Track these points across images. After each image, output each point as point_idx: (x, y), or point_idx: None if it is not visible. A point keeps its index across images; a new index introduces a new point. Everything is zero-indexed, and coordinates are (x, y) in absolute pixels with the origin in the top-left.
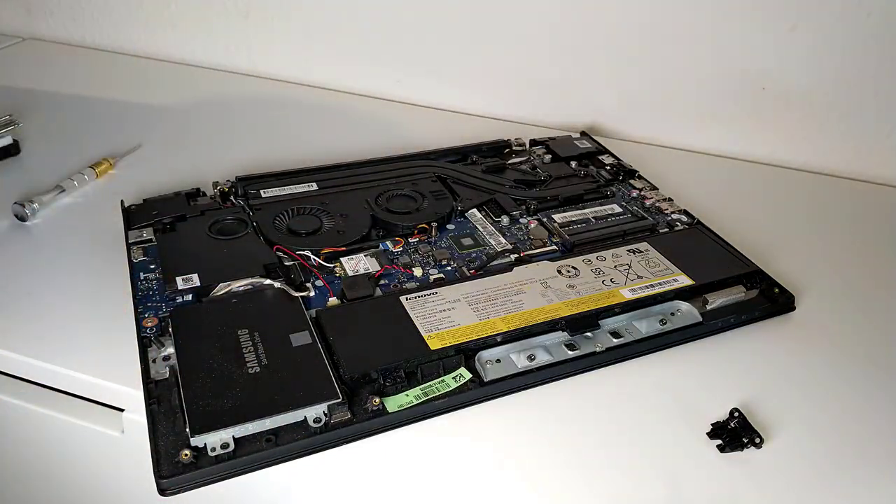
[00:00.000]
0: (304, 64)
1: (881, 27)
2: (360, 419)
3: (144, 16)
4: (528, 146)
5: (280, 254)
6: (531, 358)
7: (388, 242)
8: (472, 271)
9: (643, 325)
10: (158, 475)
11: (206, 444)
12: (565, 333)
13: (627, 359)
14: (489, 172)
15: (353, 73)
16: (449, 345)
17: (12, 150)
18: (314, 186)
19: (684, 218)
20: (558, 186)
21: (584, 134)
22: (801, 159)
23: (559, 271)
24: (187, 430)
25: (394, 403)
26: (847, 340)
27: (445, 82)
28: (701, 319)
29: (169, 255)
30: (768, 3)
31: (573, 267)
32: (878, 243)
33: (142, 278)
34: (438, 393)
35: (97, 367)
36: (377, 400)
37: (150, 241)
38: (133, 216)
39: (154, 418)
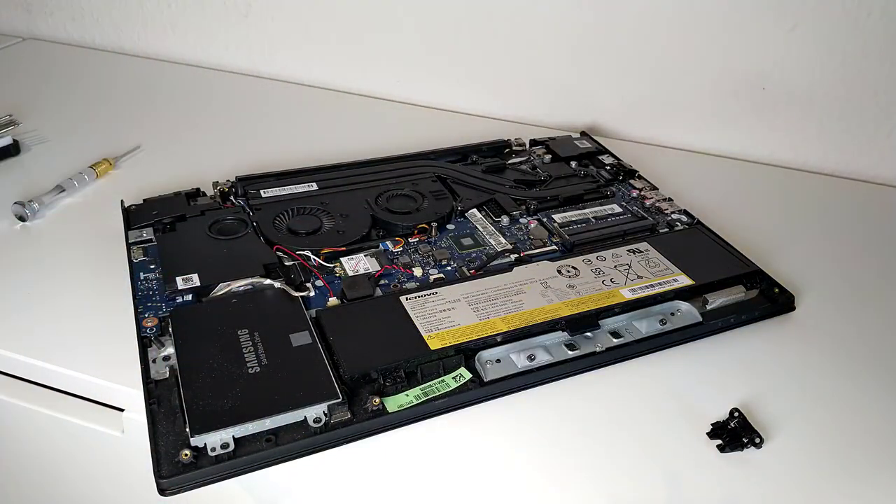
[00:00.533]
0: (304, 64)
1: (881, 27)
2: (360, 419)
3: (144, 16)
4: (528, 146)
5: (280, 254)
6: (531, 358)
7: (388, 242)
8: (472, 271)
9: (643, 325)
10: (158, 475)
11: (206, 444)
12: (565, 333)
13: (627, 359)
14: (489, 172)
15: (353, 73)
16: (449, 345)
17: (12, 150)
18: (314, 186)
19: (684, 218)
20: (558, 186)
21: (584, 134)
22: (801, 159)
23: (559, 271)
24: (187, 430)
25: (394, 403)
26: (847, 340)
27: (445, 82)
28: (701, 319)
29: (169, 255)
30: (768, 3)
31: (573, 267)
32: (878, 243)
33: (142, 278)
34: (438, 393)
35: (97, 367)
36: (377, 400)
37: (150, 241)
38: (133, 216)
39: (154, 418)
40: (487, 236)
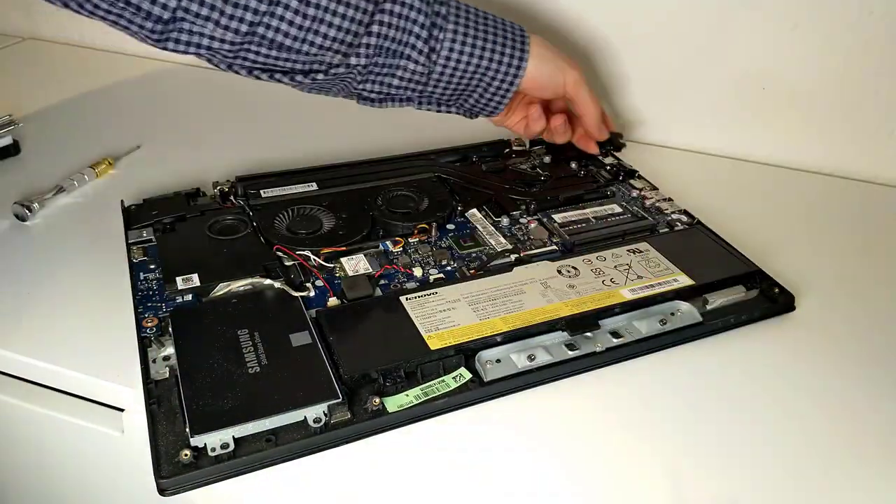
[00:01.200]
0: None
1: (882, 27)
2: (360, 419)
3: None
4: (528, 146)
5: (280, 254)
6: (531, 358)
7: (388, 242)
8: (472, 271)
9: (643, 325)
10: (158, 475)
11: (206, 444)
12: (565, 333)
13: (627, 359)
14: (489, 172)
15: None
16: (449, 345)
17: (12, 150)
18: (314, 186)
19: (684, 218)
20: (558, 186)
21: None
22: (801, 159)
23: (559, 271)
24: (187, 430)
25: (394, 403)
26: (847, 340)
27: None
28: (701, 319)
29: (169, 255)
30: (768, 3)
31: (573, 267)
32: (878, 243)
33: (142, 278)
34: (438, 393)
35: (97, 367)
36: (377, 400)
37: (150, 241)
38: (133, 216)
39: (154, 418)
40: (487, 236)
